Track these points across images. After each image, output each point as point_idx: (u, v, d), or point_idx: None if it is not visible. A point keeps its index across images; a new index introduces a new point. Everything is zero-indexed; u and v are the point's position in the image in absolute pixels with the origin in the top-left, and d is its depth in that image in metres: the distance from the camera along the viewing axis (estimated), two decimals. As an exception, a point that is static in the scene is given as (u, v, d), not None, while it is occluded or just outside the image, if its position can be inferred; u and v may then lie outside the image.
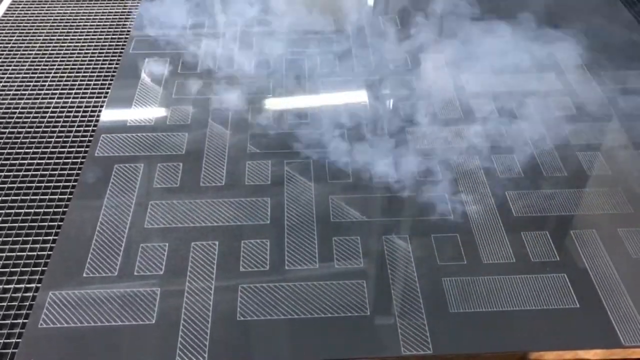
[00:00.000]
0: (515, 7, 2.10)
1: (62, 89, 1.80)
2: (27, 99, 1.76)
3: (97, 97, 1.77)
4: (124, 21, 2.09)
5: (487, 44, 1.92)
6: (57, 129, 1.66)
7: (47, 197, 1.47)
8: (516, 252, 1.32)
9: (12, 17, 2.10)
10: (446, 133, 1.62)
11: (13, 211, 1.43)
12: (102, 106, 1.72)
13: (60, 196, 1.47)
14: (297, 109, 1.70)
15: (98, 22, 2.09)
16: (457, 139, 1.60)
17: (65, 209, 1.43)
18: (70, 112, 1.72)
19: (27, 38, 2.01)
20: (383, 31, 2.00)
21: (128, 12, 2.13)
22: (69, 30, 2.05)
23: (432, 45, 1.93)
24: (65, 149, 1.60)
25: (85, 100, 1.76)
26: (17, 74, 1.85)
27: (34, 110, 1.72)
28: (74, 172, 1.53)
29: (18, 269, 1.31)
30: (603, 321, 1.19)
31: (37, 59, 1.91)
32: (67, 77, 1.85)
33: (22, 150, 1.59)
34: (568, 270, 1.29)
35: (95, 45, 1.98)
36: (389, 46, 1.93)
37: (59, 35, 2.02)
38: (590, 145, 1.59)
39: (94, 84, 1.82)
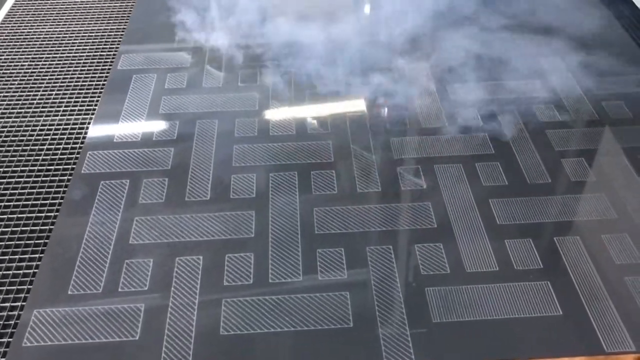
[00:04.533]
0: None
1: (50, 107, 1.81)
2: (15, 117, 1.78)
3: (85, 114, 1.78)
4: (113, 38, 2.11)
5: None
6: (44, 147, 1.67)
7: (33, 215, 1.48)
8: (499, 261, 1.33)
9: (2, 35, 2.12)
10: (429, 141, 1.62)
11: None
12: (89, 123, 1.73)
13: (47, 214, 1.48)
14: (284, 121, 1.71)
15: (87, 39, 2.11)
16: (440, 146, 1.61)
17: (51, 227, 1.44)
18: (58, 129, 1.73)
19: (17, 56, 2.02)
20: None
21: (116, 29, 2.15)
22: (58, 48, 2.06)
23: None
24: (53, 167, 1.61)
25: (73, 117, 1.77)
26: (6, 92, 1.87)
27: (22, 129, 1.73)
28: (61, 189, 1.54)
29: (4, 288, 1.31)
30: (586, 328, 1.20)
31: (25, 77, 1.93)
32: (56, 94, 1.86)
33: (10, 169, 1.60)
34: (551, 277, 1.29)
35: (84, 63, 1.99)
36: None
37: (47, 53, 2.04)
38: (574, 151, 1.60)
39: (82, 101, 1.83)
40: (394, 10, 2.18)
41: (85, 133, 1.70)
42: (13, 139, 1.70)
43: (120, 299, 1.25)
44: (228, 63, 1.93)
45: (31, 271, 1.35)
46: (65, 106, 1.82)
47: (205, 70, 1.89)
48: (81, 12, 2.25)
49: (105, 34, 2.13)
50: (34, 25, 2.18)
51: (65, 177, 1.58)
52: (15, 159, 1.64)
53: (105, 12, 2.26)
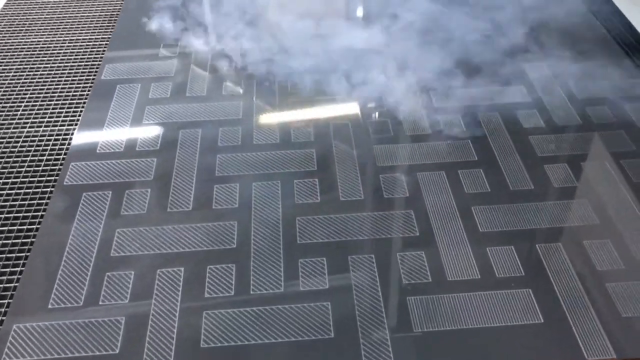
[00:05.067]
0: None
1: (33, 117, 1.81)
2: (-1, 129, 1.77)
3: (68, 125, 1.78)
4: (97, 47, 2.10)
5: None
6: (27, 158, 1.67)
7: (15, 227, 1.47)
8: (481, 269, 1.33)
9: (-14, 46, 2.12)
10: (413, 148, 1.62)
11: (-19, 243, 1.43)
12: (73, 134, 1.73)
13: (29, 226, 1.47)
14: (268, 129, 1.70)
15: (72, 49, 2.10)
16: (423, 154, 1.61)
17: (33, 240, 1.43)
18: (42, 140, 1.72)
19: (0, 67, 2.02)
20: None
21: (101, 39, 2.15)
22: (42, 58, 2.06)
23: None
24: (36, 178, 1.60)
25: (56, 128, 1.77)
26: (-10, 104, 1.86)
27: (5, 140, 1.73)
28: (43, 201, 1.53)
29: (-15, 302, 1.31)
30: (567, 336, 1.20)
31: (10, 88, 1.92)
32: (39, 105, 1.85)
33: (-7, 181, 1.60)
34: (533, 285, 1.29)
35: (68, 73, 1.99)
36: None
37: (32, 64, 2.03)
38: (557, 157, 1.60)
39: (66, 112, 1.83)
40: (379, 14, 2.19)
41: (69, 144, 1.70)
42: (-4, 151, 1.70)
43: (100, 312, 1.25)
44: (212, 71, 1.93)
45: (12, 285, 1.34)
46: (49, 117, 1.81)
47: (190, 74, 1.89)
48: (66, 22, 2.25)
49: (90, 43, 2.13)
50: (18, 36, 2.18)
51: (48, 189, 1.57)
52: (-3, 171, 1.63)
53: (90, 21, 2.25)
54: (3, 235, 1.45)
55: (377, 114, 1.76)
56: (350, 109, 1.78)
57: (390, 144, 1.65)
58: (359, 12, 2.27)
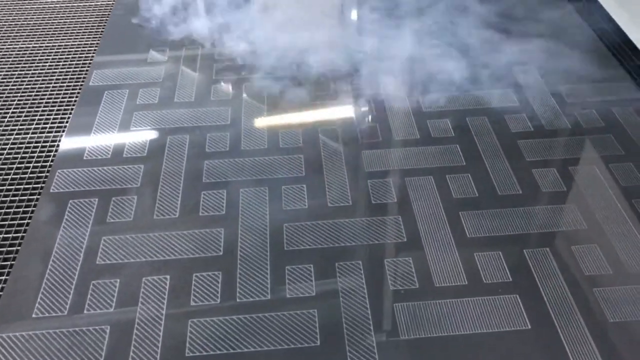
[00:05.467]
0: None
1: (21, 124, 1.79)
2: (-14, 135, 1.76)
3: (56, 132, 1.77)
4: (86, 53, 2.09)
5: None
6: (14, 165, 1.65)
7: (0, 235, 1.46)
8: (469, 274, 1.32)
9: (-26, 52, 2.11)
10: (401, 153, 1.62)
11: (-34, 251, 1.42)
12: (60, 141, 1.72)
13: (15, 234, 1.46)
14: (256, 135, 1.70)
15: (60, 54, 2.09)
16: (411, 159, 1.60)
17: (18, 248, 1.42)
18: (29, 147, 1.71)
19: (-12, 74, 2.01)
20: None
21: (90, 44, 2.14)
22: (31, 64, 2.05)
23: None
24: (22, 185, 1.59)
25: (44, 135, 1.76)
26: (-23, 110, 1.85)
27: (-8, 147, 1.72)
28: (30, 209, 1.52)
29: (-31, 311, 1.29)
30: (554, 342, 1.19)
31: (-3, 95, 1.92)
32: (27, 111, 1.84)
33: (-21, 189, 1.59)
34: (520, 291, 1.29)
35: (56, 79, 1.98)
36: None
37: (20, 70, 2.02)
38: (545, 161, 1.60)
39: (54, 118, 1.82)
40: (364, 18, 2.19)
41: (56, 151, 1.69)
42: (-18, 158, 1.68)
43: (85, 321, 1.24)
44: (201, 77, 1.92)
45: (-4, 294, 1.33)
46: (37, 124, 1.80)
47: (179, 79, 1.88)
48: (54, 28, 2.24)
49: (79, 49, 2.12)
50: (5, 42, 2.17)
51: (35, 197, 1.56)
52: (-17, 178, 1.62)
53: (79, 28, 2.24)
54: (-12, 243, 1.44)
55: (366, 118, 1.75)
56: (338, 113, 1.77)
57: (378, 149, 1.64)
58: (353, 15, 2.27)
